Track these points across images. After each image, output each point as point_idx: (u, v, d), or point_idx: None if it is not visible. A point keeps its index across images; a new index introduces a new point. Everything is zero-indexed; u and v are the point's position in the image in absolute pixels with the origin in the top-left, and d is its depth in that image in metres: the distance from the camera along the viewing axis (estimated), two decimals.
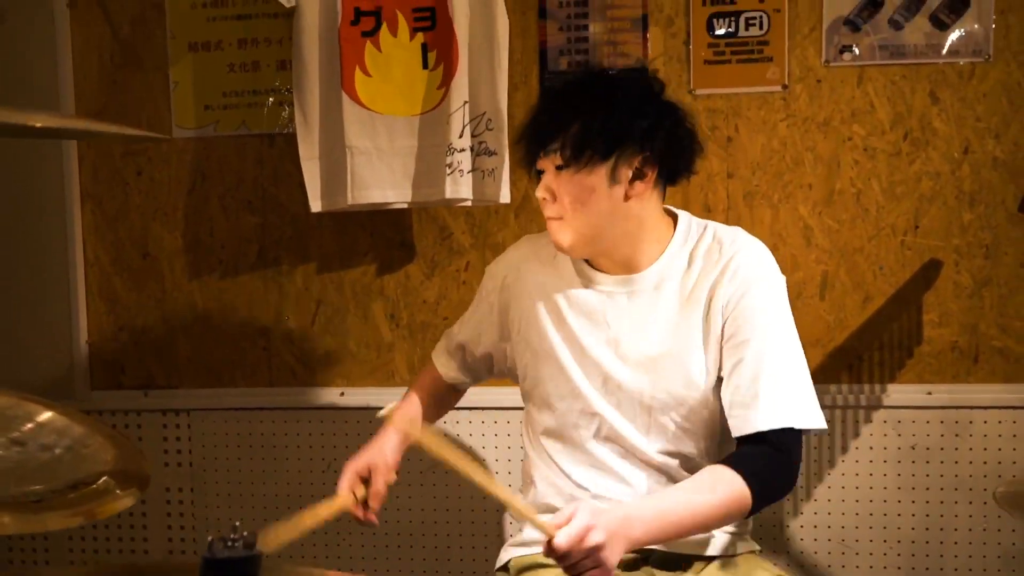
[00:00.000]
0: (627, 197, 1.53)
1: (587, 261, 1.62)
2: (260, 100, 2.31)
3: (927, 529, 2.19)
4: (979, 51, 2.13)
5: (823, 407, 1.58)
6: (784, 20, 2.17)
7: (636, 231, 1.57)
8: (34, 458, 1.43)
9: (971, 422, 2.17)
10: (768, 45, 2.18)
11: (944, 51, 2.14)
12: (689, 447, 1.60)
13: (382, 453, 1.68)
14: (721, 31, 2.18)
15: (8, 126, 0.91)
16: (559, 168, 1.51)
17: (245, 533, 0.83)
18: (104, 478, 1.40)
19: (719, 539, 1.65)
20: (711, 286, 1.57)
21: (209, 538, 0.86)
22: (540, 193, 1.53)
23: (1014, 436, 2.15)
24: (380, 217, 2.28)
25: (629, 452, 1.61)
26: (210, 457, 2.37)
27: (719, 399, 1.57)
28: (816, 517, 2.23)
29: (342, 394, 2.33)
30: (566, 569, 1.32)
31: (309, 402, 2.34)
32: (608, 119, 1.49)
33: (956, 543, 2.19)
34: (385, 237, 2.30)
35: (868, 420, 2.20)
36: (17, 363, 2.37)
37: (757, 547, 1.73)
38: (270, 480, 2.35)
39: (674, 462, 1.60)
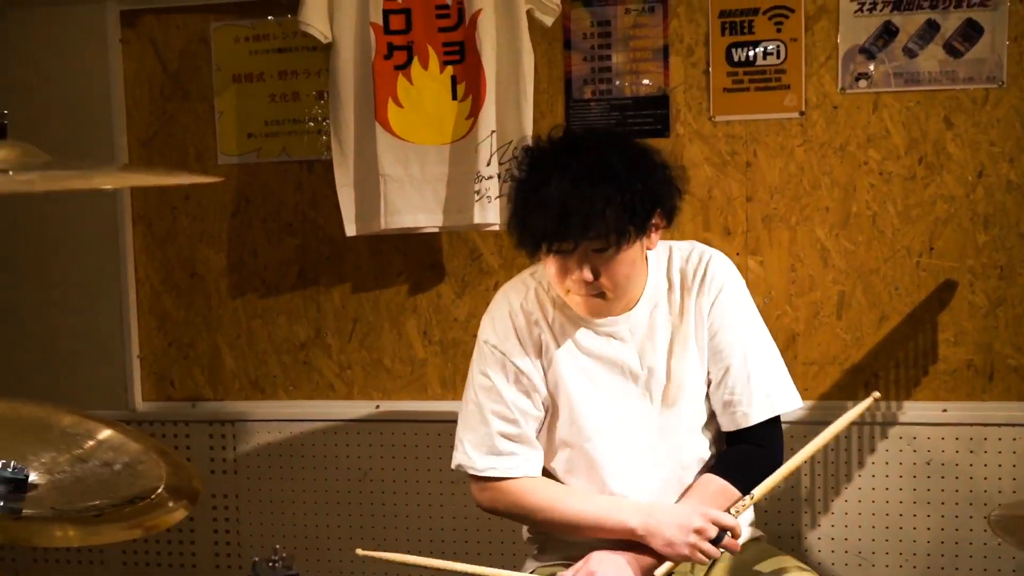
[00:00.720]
0: (648, 248, 1.63)
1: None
2: (299, 128, 2.43)
3: (942, 543, 2.25)
4: (993, 77, 2.18)
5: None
6: (801, 49, 2.24)
7: (641, 273, 1.66)
8: (95, 474, 1.56)
9: (986, 439, 2.22)
10: (785, 73, 2.25)
11: (958, 78, 2.20)
12: (703, 451, 1.71)
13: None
14: (740, 60, 2.26)
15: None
16: (599, 251, 1.54)
17: (284, 555, 0.93)
18: (158, 493, 1.54)
19: None
20: (694, 299, 1.68)
21: (255, 559, 0.96)
22: (585, 278, 1.54)
23: None
24: (413, 240, 2.39)
25: (656, 474, 1.69)
26: (253, 466, 2.50)
27: (709, 407, 1.70)
28: (833, 530, 2.30)
29: (378, 407, 2.45)
30: None
31: (347, 414, 2.46)
32: (634, 197, 1.53)
33: (971, 556, 2.24)
34: (417, 258, 2.42)
35: (884, 436, 2.27)
36: (74, 376, 2.52)
37: (761, 533, 1.83)
38: (310, 488, 2.47)
39: (689, 471, 1.70)
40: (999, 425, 2.22)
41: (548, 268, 1.61)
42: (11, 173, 1.11)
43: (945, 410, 2.24)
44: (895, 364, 2.27)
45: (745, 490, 1.59)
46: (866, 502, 2.28)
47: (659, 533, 1.57)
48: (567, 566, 1.65)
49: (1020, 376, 2.22)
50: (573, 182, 1.52)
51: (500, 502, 1.69)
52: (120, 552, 2.56)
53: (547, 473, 1.73)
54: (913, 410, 2.26)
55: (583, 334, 1.68)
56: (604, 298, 1.60)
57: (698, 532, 1.54)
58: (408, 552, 1.64)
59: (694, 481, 1.67)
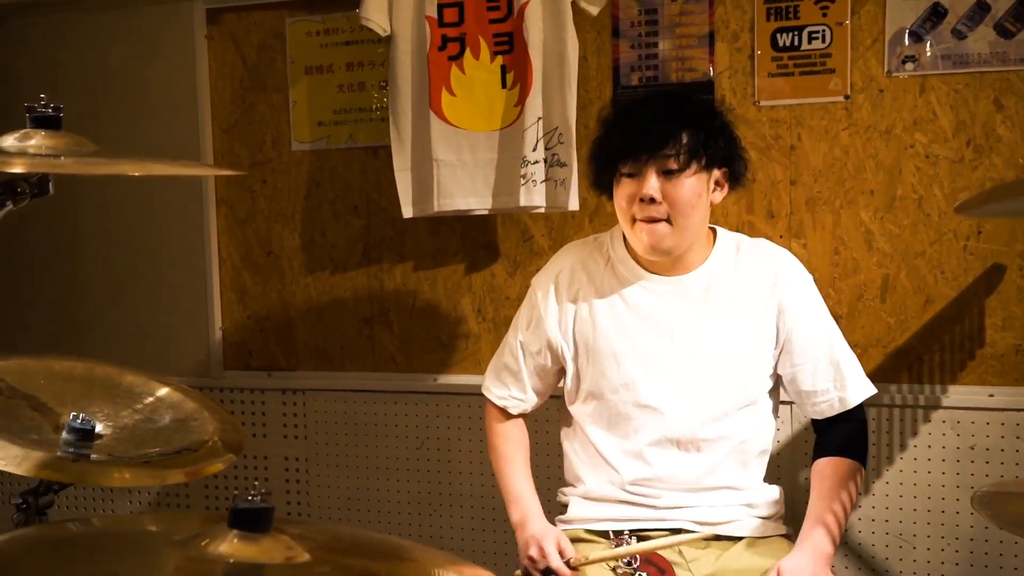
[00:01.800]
0: (711, 204, 1.75)
1: (638, 262, 1.81)
2: (365, 116, 2.59)
3: (986, 528, 2.24)
4: None
5: (883, 406, 2.19)
6: (847, 33, 2.25)
7: (701, 235, 1.78)
8: (153, 426, 1.75)
9: None
10: (831, 57, 2.26)
11: (1010, 59, 2.16)
12: (732, 432, 1.78)
13: (544, 527, 1.79)
14: (785, 45, 2.29)
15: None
16: (668, 173, 1.67)
17: (263, 491, 1.07)
18: (206, 445, 1.71)
19: (748, 523, 1.81)
20: (767, 293, 1.78)
21: (235, 492, 1.10)
22: (651, 193, 1.66)
23: None
24: (468, 221, 2.52)
25: (676, 441, 1.78)
26: (321, 432, 2.68)
27: (765, 390, 1.80)
28: (874, 511, 2.31)
29: (435, 379, 2.59)
30: None
31: (406, 386, 2.61)
32: (710, 132, 1.70)
33: (1016, 543, 2.22)
34: (473, 239, 2.54)
35: (927, 420, 2.27)
36: (163, 347, 2.75)
37: (786, 530, 1.88)
38: (372, 453, 2.64)
39: (718, 448, 1.78)
40: None
41: (618, 201, 1.74)
42: (62, 159, 1.28)
43: (992, 395, 2.22)
44: (940, 348, 2.26)
45: (864, 460, 1.78)
46: (908, 485, 2.28)
47: (519, 538, 1.79)
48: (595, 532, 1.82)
49: None
50: (653, 109, 1.72)
51: (486, 420, 1.98)
52: (203, 509, 2.79)
53: (566, 422, 1.90)
54: (958, 394, 2.24)
55: (631, 291, 1.80)
56: (669, 224, 1.69)
57: (531, 559, 1.73)
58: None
59: (825, 468, 1.79)
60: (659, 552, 1.76)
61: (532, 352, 1.89)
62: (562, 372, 1.89)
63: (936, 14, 2.19)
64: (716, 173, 1.73)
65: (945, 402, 2.25)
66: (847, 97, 2.26)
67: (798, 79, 2.29)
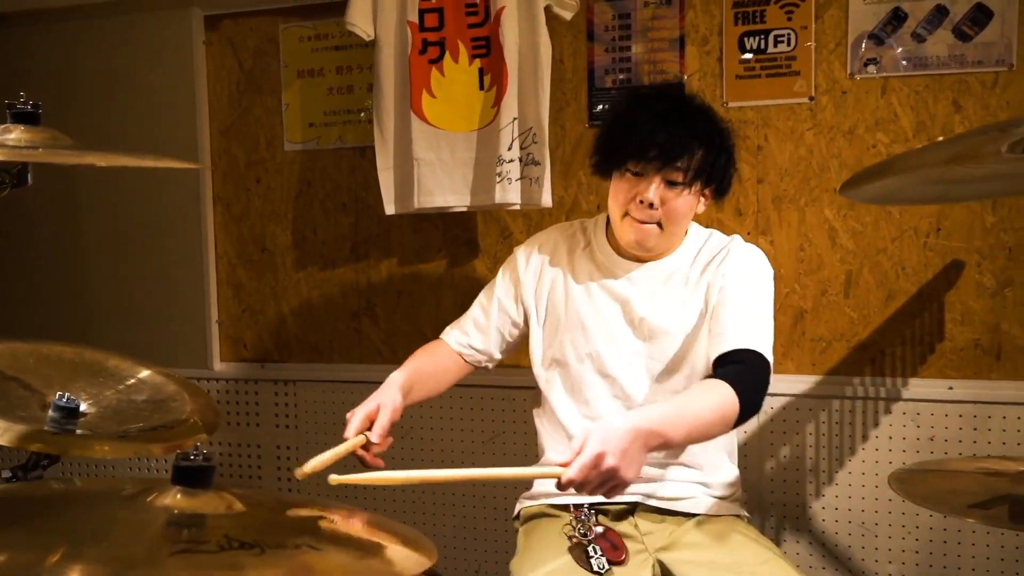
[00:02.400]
0: (696, 211, 1.87)
1: (614, 248, 1.93)
2: (353, 118, 2.70)
3: (944, 517, 2.30)
4: (1002, 60, 2.21)
5: (846, 398, 2.22)
6: (811, 36, 2.33)
7: (681, 237, 1.91)
8: (135, 405, 1.87)
9: (990, 417, 2.26)
10: (796, 60, 2.34)
11: (967, 61, 2.23)
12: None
13: (389, 395, 1.87)
14: (752, 48, 2.37)
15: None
16: (672, 184, 1.78)
17: (204, 451, 1.17)
18: (185, 423, 1.83)
19: (704, 501, 1.90)
20: (711, 271, 1.88)
21: (178, 452, 1.20)
22: (652, 199, 1.77)
23: None
24: (450, 219, 2.62)
25: (633, 408, 1.87)
26: (311, 421, 2.79)
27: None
28: (837, 500, 2.38)
29: None
30: (590, 493, 1.51)
31: None
32: (719, 155, 1.81)
33: (974, 532, 2.28)
34: (455, 236, 2.64)
35: (888, 411, 2.33)
36: (162, 339, 2.87)
37: (745, 514, 1.96)
38: None
39: None
40: (1005, 404, 2.25)
41: (616, 193, 1.84)
42: (40, 150, 1.39)
43: (951, 387, 2.28)
44: (901, 342, 2.33)
45: (744, 399, 1.65)
46: (870, 475, 2.35)
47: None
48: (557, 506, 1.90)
49: (1015, 352, 2.24)
50: (681, 119, 1.79)
51: None
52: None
53: (537, 403, 2.01)
54: (918, 387, 2.31)
55: (604, 272, 1.93)
56: (659, 228, 1.82)
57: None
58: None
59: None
60: (613, 528, 1.85)
61: (505, 308, 2.01)
62: (524, 337, 2.01)
63: (896, 18, 2.27)
64: (708, 189, 1.85)
65: (906, 395, 2.32)
66: (812, 98, 2.34)
67: (764, 81, 2.37)
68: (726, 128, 1.86)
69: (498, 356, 2.05)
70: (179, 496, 1.14)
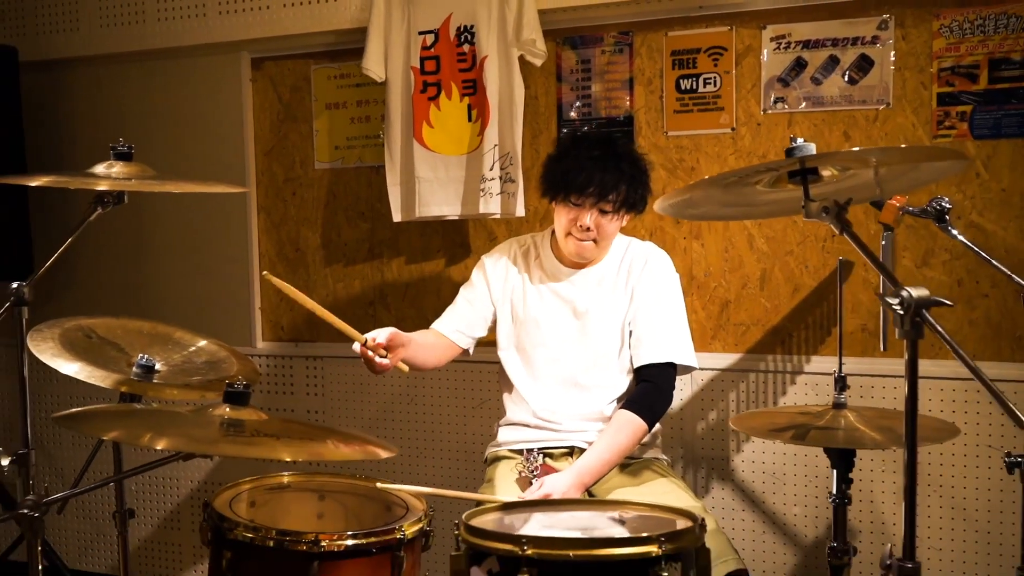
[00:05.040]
0: (620, 227, 2.47)
1: (557, 258, 2.52)
2: (370, 142, 3.31)
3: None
4: (881, 100, 2.74)
5: (760, 372, 2.78)
6: (732, 79, 2.88)
7: (611, 243, 2.50)
8: (195, 365, 2.49)
9: (873, 387, 2.79)
10: (720, 98, 2.90)
11: (854, 100, 2.77)
12: (615, 377, 2.47)
13: (410, 341, 2.41)
14: (686, 88, 2.93)
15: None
16: (603, 212, 2.39)
17: (245, 382, 1.78)
18: (232, 378, 2.44)
19: None
20: (635, 278, 2.47)
21: (227, 380, 1.81)
22: (588, 224, 2.37)
23: None
24: (448, 225, 3.21)
25: (575, 382, 2.47)
26: (335, 390, 3.41)
27: (629, 349, 2.46)
28: (753, 455, 2.93)
29: None
30: None
31: None
32: (638, 188, 2.41)
33: (860, 470, 2.82)
34: (451, 239, 3.24)
35: (793, 382, 2.88)
36: (215, 321, 3.49)
37: (664, 457, 2.55)
38: (374, 406, 3.35)
39: (605, 389, 2.47)
40: (884, 376, 2.78)
41: (560, 215, 2.44)
42: (133, 181, 2.02)
43: (845, 364, 2.81)
44: (805, 326, 2.87)
45: (648, 418, 2.36)
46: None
47: None
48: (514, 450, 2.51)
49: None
50: (607, 160, 2.39)
51: None
52: None
53: (502, 376, 2.61)
54: (818, 363, 2.85)
55: (551, 277, 2.53)
56: (594, 244, 2.42)
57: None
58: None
59: (612, 415, 2.42)
60: (553, 465, 2.44)
61: (477, 305, 2.61)
62: (492, 326, 2.61)
63: (799, 65, 2.81)
64: (630, 212, 2.45)
65: (807, 369, 2.86)
66: (733, 129, 2.90)
67: (696, 115, 2.93)
68: (644, 166, 2.44)
69: (477, 337, 2.64)
70: (227, 409, 1.76)
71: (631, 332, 2.46)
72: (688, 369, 2.47)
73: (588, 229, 2.39)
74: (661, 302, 2.46)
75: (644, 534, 1.45)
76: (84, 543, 3.82)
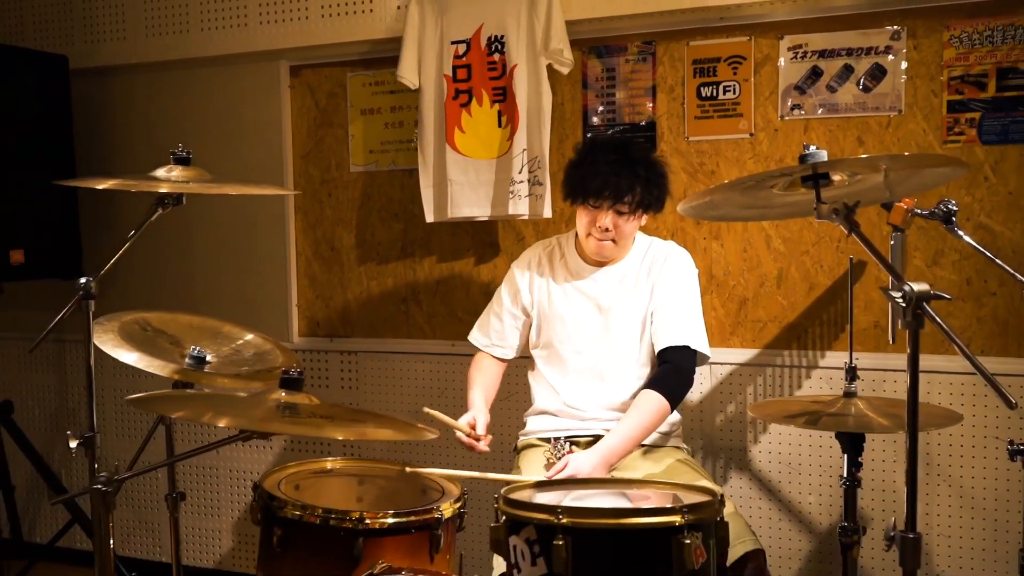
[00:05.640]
0: (640, 227, 2.61)
1: (581, 257, 2.66)
2: (404, 146, 3.46)
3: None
4: (894, 107, 2.87)
5: (776, 366, 2.93)
6: (751, 87, 3.02)
7: (632, 242, 2.65)
8: (242, 356, 2.65)
9: (884, 380, 2.92)
10: (740, 105, 3.03)
11: (868, 108, 2.90)
12: (637, 369, 2.61)
13: (481, 410, 2.67)
14: (707, 96, 3.07)
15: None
16: (620, 213, 2.53)
17: (299, 370, 1.93)
18: (277, 368, 2.60)
19: (651, 436, 2.61)
20: (655, 274, 2.61)
21: (283, 369, 1.97)
22: (606, 226, 2.51)
23: (925, 395, 2.88)
24: (478, 226, 3.36)
25: (600, 374, 2.62)
26: (369, 383, 3.56)
27: (650, 342, 2.60)
28: (770, 445, 3.07)
29: (452, 345, 3.44)
30: None
31: (432, 349, 3.47)
32: (653, 190, 2.54)
33: (872, 460, 2.94)
34: (480, 239, 3.39)
35: (809, 376, 3.01)
36: (255, 317, 3.64)
37: (684, 446, 2.69)
38: (406, 399, 3.51)
39: (628, 380, 2.61)
40: (894, 370, 2.91)
41: (580, 217, 2.59)
42: (191, 184, 2.18)
43: (857, 359, 2.94)
44: (820, 323, 3.00)
45: (670, 397, 2.49)
46: (794, 425, 3.03)
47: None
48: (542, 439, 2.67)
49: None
50: (621, 165, 2.52)
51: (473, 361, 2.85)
52: (280, 439, 3.70)
53: (532, 367, 2.77)
54: (832, 357, 2.98)
55: (575, 276, 2.68)
56: (613, 243, 2.57)
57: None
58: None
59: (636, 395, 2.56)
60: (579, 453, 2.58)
61: (512, 314, 2.75)
62: (528, 329, 2.74)
63: (815, 74, 2.94)
64: (648, 213, 2.59)
65: (822, 363, 3.00)
66: (751, 135, 3.03)
67: (716, 121, 3.07)
68: (661, 168, 2.57)
69: (517, 346, 2.80)
70: (283, 394, 1.91)
71: (652, 322, 2.60)
72: (703, 358, 2.61)
73: (607, 230, 2.53)
74: (679, 294, 2.60)
75: (668, 505, 1.59)
76: (127, 530, 3.99)
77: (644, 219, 2.59)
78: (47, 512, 4.10)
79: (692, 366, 2.59)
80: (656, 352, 2.59)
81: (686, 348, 2.56)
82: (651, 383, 2.53)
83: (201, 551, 3.86)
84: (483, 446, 2.58)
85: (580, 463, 2.36)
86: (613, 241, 2.57)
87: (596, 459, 2.37)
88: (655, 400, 2.48)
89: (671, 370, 2.55)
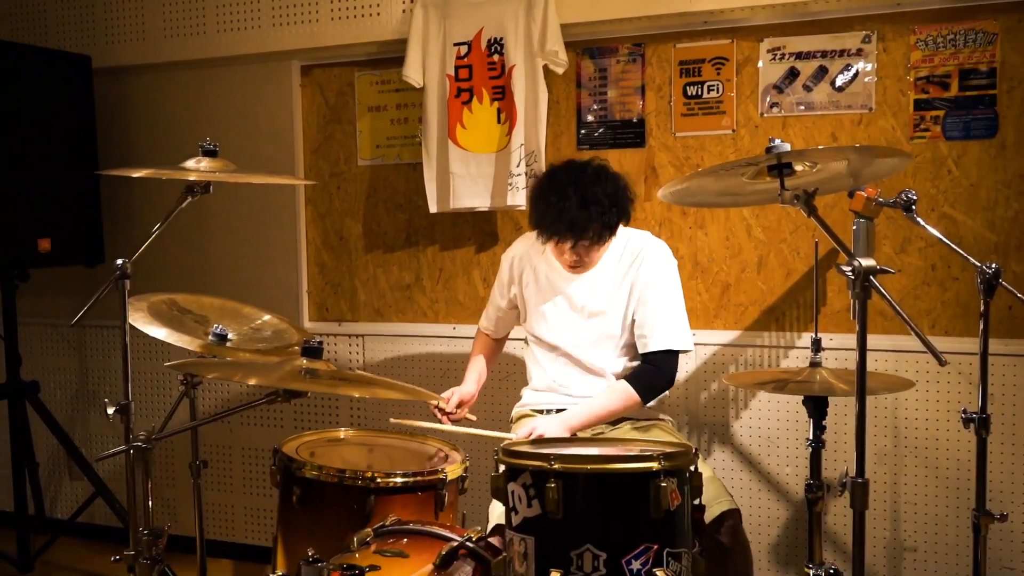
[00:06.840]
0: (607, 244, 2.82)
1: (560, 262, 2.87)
2: (408, 142, 3.68)
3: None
4: (865, 105, 3.09)
5: (756, 347, 3.11)
6: (733, 86, 3.24)
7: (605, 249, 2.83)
8: (261, 335, 2.87)
9: (854, 358, 3.13)
10: (722, 103, 3.25)
11: (841, 106, 3.12)
12: (612, 361, 2.83)
13: (467, 388, 2.97)
14: (692, 94, 3.29)
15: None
16: (583, 244, 2.70)
17: (319, 341, 2.15)
18: (293, 345, 2.82)
19: (637, 411, 2.83)
20: (633, 272, 2.81)
21: (304, 339, 2.19)
22: (574, 257, 2.73)
23: (894, 371, 3.10)
24: (478, 216, 3.58)
25: (580, 363, 2.84)
26: (376, 365, 3.78)
27: (631, 335, 2.80)
28: (750, 420, 3.29)
29: (454, 328, 3.65)
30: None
31: (435, 332, 3.69)
32: (610, 216, 2.68)
33: (834, 424, 3.16)
34: (481, 229, 3.61)
35: (786, 356, 3.23)
36: (267, 303, 3.84)
37: (667, 418, 2.91)
38: (412, 379, 3.72)
39: (602, 369, 2.82)
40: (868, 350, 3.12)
41: (551, 246, 2.79)
42: (217, 173, 2.40)
43: (831, 339, 3.17)
44: (796, 306, 3.22)
45: (643, 393, 2.70)
46: (773, 401, 3.25)
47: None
48: (535, 410, 2.88)
49: (884, 316, 3.11)
50: (577, 206, 2.64)
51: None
52: (293, 414, 3.92)
53: (530, 342, 2.99)
54: (807, 338, 3.17)
55: (555, 273, 2.87)
56: (583, 262, 2.78)
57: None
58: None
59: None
60: None
61: (505, 301, 2.98)
62: (515, 317, 3.03)
63: (792, 74, 3.16)
64: (611, 233, 2.76)
65: (798, 344, 3.21)
66: (733, 131, 3.25)
67: (701, 118, 3.29)
68: (615, 186, 2.69)
69: (507, 329, 3.11)
70: (305, 361, 2.13)
71: (633, 320, 2.79)
72: (687, 350, 2.82)
73: (576, 257, 2.76)
74: (660, 292, 2.78)
75: (647, 452, 1.82)
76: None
77: (611, 239, 2.76)
78: (67, 489, 4.31)
79: (674, 367, 2.78)
80: (640, 354, 2.79)
81: (669, 352, 2.75)
82: (629, 377, 2.73)
83: (216, 525, 4.08)
84: (446, 420, 2.89)
85: (545, 425, 2.62)
86: (582, 265, 2.80)
87: (558, 423, 2.63)
88: (626, 391, 2.70)
89: (651, 370, 2.75)
